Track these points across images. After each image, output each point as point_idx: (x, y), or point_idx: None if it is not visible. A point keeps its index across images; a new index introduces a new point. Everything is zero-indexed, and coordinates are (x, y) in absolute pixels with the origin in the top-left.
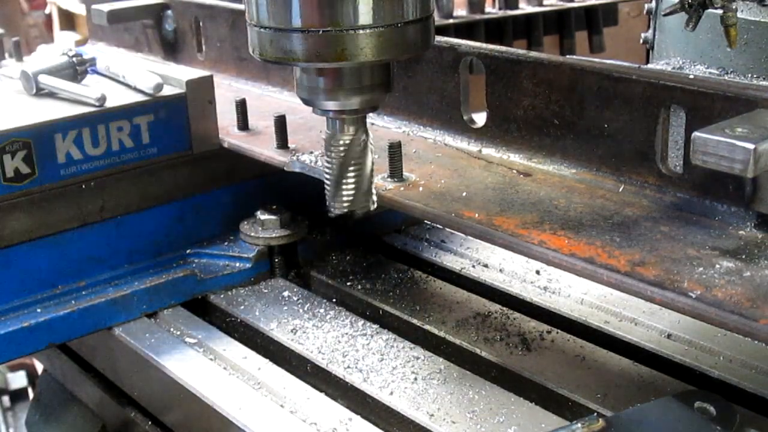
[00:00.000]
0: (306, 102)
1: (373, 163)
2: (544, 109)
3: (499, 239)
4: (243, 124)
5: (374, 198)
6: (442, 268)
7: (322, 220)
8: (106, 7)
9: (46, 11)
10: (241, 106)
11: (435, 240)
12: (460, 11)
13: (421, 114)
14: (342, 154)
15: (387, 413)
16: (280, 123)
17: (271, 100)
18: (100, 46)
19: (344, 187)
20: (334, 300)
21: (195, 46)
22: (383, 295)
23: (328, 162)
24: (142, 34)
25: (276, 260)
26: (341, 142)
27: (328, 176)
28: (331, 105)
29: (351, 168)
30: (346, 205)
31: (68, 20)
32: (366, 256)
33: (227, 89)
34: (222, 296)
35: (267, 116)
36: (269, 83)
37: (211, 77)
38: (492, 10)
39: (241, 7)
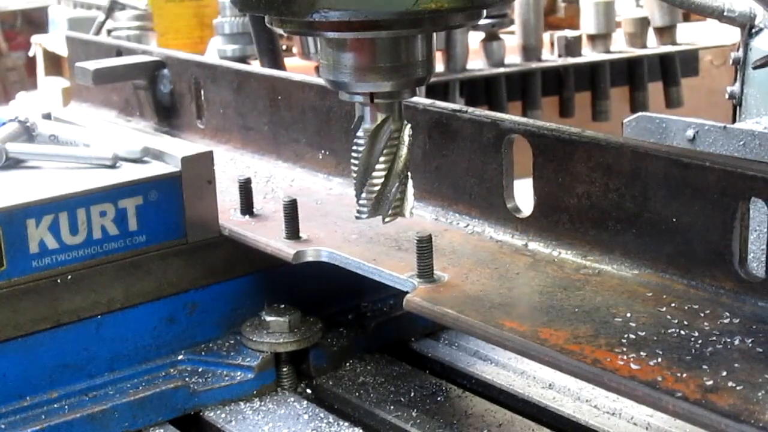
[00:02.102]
0: (331, 84)
1: (408, 161)
2: (602, 198)
3: (545, 356)
4: (247, 208)
5: (409, 205)
6: (481, 381)
7: (338, 322)
8: (92, 65)
9: (30, 53)
10: (245, 187)
11: (473, 347)
12: (513, 57)
13: (457, 200)
14: (366, 147)
15: None
16: (291, 209)
17: (280, 177)
18: (84, 108)
19: (369, 187)
20: (351, 418)
21: (194, 111)
22: (409, 413)
23: (354, 156)
24: (134, 95)
25: (283, 370)
26: (366, 132)
27: (354, 173)
28: (360, 87)
29: (379, 164)
30: (366, 209)
31: (54, 64)
32: (390, 365)
33: (229, 163)
34: (219, 412)
35: (276, 198)
36: (279, 158)
37: (210, 153)
38: (550, 58)
39: (247, 68)
